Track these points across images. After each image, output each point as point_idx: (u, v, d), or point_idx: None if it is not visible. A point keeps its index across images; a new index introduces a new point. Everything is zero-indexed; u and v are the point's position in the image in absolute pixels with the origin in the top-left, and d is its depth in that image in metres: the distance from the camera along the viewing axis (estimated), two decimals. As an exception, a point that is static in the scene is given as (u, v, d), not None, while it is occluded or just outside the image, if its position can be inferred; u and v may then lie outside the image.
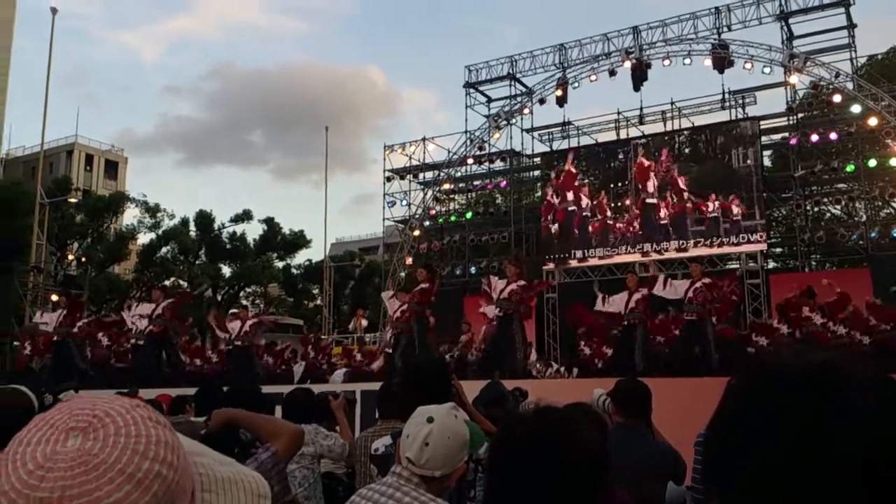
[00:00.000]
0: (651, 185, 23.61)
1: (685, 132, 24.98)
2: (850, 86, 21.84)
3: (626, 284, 12.48)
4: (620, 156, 25.00)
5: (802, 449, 0.73)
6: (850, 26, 22.63)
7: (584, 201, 24.51)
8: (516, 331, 11.60)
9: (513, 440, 1.64)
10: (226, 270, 45.92)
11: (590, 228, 24.31)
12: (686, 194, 23.06)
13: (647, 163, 23.70)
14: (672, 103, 25.87)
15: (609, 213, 24.25)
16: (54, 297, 15.99)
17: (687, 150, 24.19)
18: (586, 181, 25.08)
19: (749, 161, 22.67)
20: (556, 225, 24.89)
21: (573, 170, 25.12)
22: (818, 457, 0.72)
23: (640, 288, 12.08)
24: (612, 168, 25.06)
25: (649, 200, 23.55)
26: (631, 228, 23.80)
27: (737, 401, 0.83)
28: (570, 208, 24.65)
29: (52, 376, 14.02)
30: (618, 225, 24.08)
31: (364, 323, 21.31)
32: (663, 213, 23.22)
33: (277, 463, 2.52)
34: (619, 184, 24.60)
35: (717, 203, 22.41)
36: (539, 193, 27.17)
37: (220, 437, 2.58)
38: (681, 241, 22.59)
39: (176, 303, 14.90)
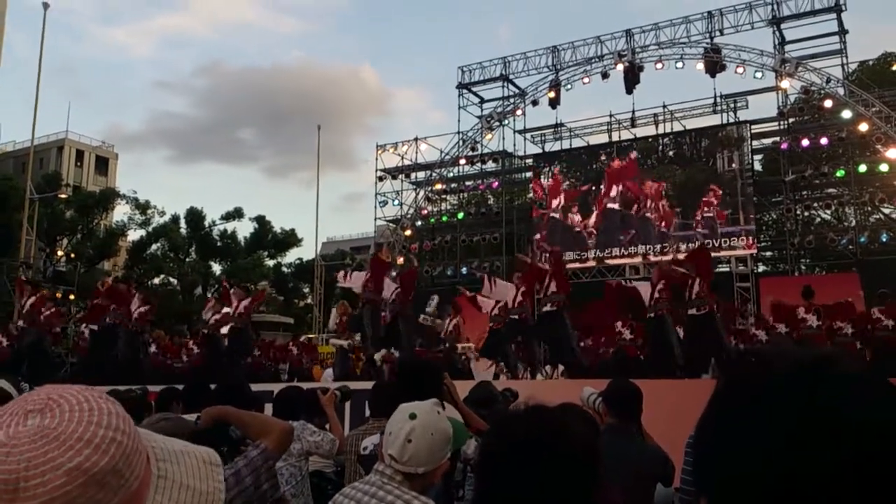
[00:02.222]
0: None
1: (671, 135, 25.16)
2: (840, 91, 21.93)
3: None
4: (603, 157, 25.24)
5: (792, 446, 0.73)
6: (842, 32, 22.71)
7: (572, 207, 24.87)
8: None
9: (505, 437, 1.63)
10: (216, 268, 45.77)
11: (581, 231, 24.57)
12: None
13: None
14: (664, 106, 25.94)
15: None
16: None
17: (671, 153, 24.41)
18: (568, 184, 25.34)
19: (734, 165, 22.87)
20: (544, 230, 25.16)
21: (559, 178, 25.48)
22: (809, 454, 0.72)
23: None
24: (594, 170, 25.28)
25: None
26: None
27: (726, 400, 0.82)
28: (553, 214, 24.94)
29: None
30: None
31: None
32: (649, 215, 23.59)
33: (267, 460, 2.51)
34: (602, 186, 24.86)
35: (702, 216, 22.73)
36: (531, 194, 27.20)
37: (210, 435, 2.57)
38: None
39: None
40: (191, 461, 1.02)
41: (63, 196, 37.92)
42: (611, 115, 26.78)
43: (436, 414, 2.39)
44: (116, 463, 0.87)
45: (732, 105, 25.38)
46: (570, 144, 27.71)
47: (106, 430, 0.88)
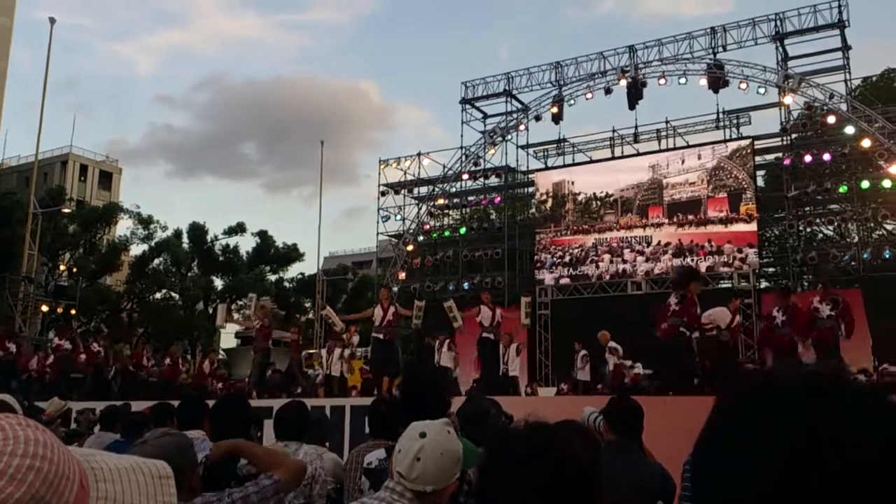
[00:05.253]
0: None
1: (673, 151, 25.21)
2: (843, 107, 21.96)
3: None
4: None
5: (793, 460, 0.72)
6: (845, 48, 22.77)
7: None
8: None
9: (504, 455, 1.60)
10: (218, 283, 45.81)
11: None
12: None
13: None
14: (667, 122, 26.01)
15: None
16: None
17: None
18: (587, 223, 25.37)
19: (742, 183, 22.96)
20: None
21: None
22: (814, 470, 0.71)
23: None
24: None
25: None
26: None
27: (727, 416, 0.81)
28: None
29: None
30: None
31: (356, 340, 19.49)
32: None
33: (278, 491, 2.51)
34: (605, 199, 24.90)
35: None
36: (533, 210, 27.18)
37: (218, 470, 2.56)
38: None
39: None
40: (138, 478, 0.98)
41: (66, 210, 38.02)
42: (613, 131, 26.86)
43: (446, 433, 2.41)
44: (37, 491, 0.83)
45: (735, 121, 25.44)
46: (573, 160, 27.77)
47: (22, 458, 0.83)
